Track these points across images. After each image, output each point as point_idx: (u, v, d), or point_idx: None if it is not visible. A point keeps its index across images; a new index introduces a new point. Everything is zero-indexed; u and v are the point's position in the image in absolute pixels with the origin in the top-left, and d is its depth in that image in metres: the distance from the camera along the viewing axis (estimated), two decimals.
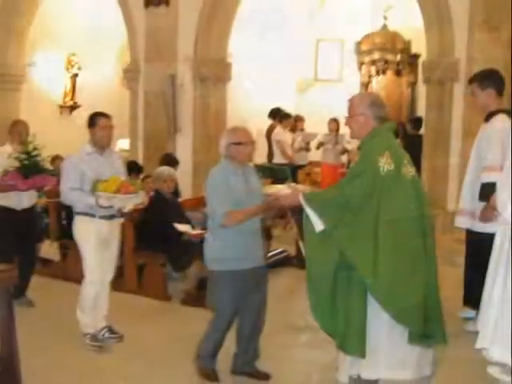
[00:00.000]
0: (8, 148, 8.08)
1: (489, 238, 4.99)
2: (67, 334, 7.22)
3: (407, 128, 14.02)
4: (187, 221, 9.11)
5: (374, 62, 16.45)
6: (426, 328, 5.23)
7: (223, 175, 5.88)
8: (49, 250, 10.11)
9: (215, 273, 5.98)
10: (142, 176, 10.93)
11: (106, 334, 7.18)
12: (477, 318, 5.43)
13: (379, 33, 16.36)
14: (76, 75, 16.71)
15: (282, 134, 14.62)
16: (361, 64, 16.73)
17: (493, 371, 4.83)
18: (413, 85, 16.35)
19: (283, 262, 10.45)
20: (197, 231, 8.64)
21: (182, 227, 8.76)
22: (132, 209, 7.29)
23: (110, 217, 7.05)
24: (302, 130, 15.59)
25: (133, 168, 10.51)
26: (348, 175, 5.49)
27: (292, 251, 10.56)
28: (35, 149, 7.69)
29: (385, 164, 5.14)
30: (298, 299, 8.67)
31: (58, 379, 6.18)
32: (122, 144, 15.75)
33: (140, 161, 12.81)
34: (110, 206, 6.82)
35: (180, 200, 10.13)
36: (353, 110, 5.50)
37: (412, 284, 5.17)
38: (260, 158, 13.58)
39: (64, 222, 9.77)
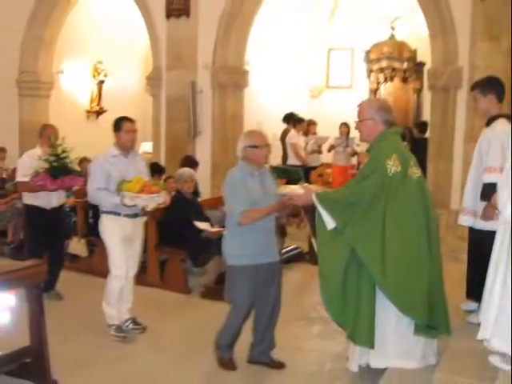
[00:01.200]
0: (38, 150, 8.13)
1: (489, 236, 4.98)
2: (93, 325, 7.25)
3: (414, 132, 14.02)
4: (206, 219, 9.12)
5: (382, 70, 16.44)
6: (431, 320, 5.25)
7: (240, 176, 5.89)
8: (76, 246, 10.18)
9: (233, 268, 5.99)
10: (164, 177, 10.93)
11: (130, 326, 7.20)
12: (478, 311, 5.41)
13: (387, 42, 16.35)
14: (102, 82, 16.70)
15: (295, 137, 14.62)
16: (370, 71, 16.70)
17: (494, 360, 4.82)
18: (418, 91, 16.31)
19: (296, 258, 10.47)
20: (215, 229, 8.66)
21: (201, 225, 8.78)
22: (154, 208, 7.29)
23: (134, 215, 7.07)
24: (315, 133, 15.62)
25: (155, 169, 10.52)
26: (358, 176, 5.52)
27: (305, 248, 10.57)
28: (64, 151, 7.74)
29: (392, 166, 5.16)
30: (310, 293, 8.70)
31: (84, 368, 6.19)
32: (146, 146, 15.82)
33: (162, 162, 12.80)
34: (134, 205, 6.83)
35: (200, 200, 10.14)
36: (362, 114, 5.53)
37: (418, 280, 5.19)
38: (275, 159, 13.61)
39: (91, 220, 9.79)
